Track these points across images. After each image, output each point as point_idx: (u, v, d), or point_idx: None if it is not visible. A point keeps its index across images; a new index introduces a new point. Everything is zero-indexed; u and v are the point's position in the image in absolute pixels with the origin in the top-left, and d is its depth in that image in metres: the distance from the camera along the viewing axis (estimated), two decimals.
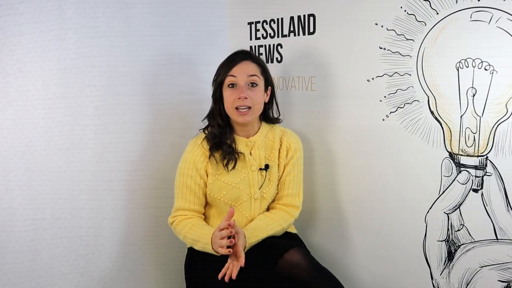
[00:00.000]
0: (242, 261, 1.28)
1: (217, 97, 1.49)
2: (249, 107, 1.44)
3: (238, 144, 1.52)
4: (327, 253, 1.73)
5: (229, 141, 1.50)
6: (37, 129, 1.47)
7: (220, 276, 1.31)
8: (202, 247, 1.40)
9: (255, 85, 1.46)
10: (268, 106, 1.58)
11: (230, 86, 1.45)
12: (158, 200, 1.79)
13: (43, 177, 1.50)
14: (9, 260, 1.45)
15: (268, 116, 1.60)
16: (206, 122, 1.56)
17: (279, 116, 1.63)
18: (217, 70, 1.51)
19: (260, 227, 1.45)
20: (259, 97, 1.47)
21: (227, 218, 1.33)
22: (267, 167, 1.52)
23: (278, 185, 1.56)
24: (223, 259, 1.35)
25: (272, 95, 1.59)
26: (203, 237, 1.39)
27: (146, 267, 1.82)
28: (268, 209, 1.57)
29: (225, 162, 1.48)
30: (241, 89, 1.43)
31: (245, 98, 1.42)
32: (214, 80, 1.51)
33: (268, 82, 1.54)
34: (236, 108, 1.44)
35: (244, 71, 1.45)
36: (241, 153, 1.50)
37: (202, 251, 1.41)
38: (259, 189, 1.51)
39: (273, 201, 1.57)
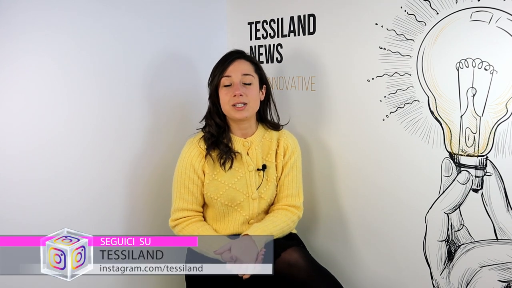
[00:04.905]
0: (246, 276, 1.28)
1: (214, 98, 1.50)
2: (245, 103, 1.45)
3: (235, 144, 1.52)
4: (328, 254, 1.73)
5: (226, 140, 1.50)
6: (35, 129, 1.47)
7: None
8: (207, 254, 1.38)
9: (249, 84, 1.47)
10: (264, 105, 1.58)
11: (225, 86, 1.47)
12: (157, 199, 1.79)
13: (42, 177, 1.50)
14: None
15: (265, 118, 1.59)
16: (203, 124, 1.56)
17: (279, 121, 1.62)
18: (212, 72, 1.51)
19: (266, 223, 1.44)
20: (254, 94, 1.48)
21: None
22: (264, 167, 1.52)
23: (277, 186, 1.55)
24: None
25: (268, 94, 1.58)
26: (210, 249, 1.36)
27: None
28: (268, 213, 1.56)
29: (221, 161, 1.48)
30: (236, 86, 1.44)
31: (241, 95, 1.44)
32: (210, 83, 1.52)
33: (263, 80, 1.54)
34: (233, 105, 1.45)
35: (238, 70, 1.46)
36: (238, 152, 1.50)
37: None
38: (257, 189, 1.51)
39: (273, 203, 1.56)
